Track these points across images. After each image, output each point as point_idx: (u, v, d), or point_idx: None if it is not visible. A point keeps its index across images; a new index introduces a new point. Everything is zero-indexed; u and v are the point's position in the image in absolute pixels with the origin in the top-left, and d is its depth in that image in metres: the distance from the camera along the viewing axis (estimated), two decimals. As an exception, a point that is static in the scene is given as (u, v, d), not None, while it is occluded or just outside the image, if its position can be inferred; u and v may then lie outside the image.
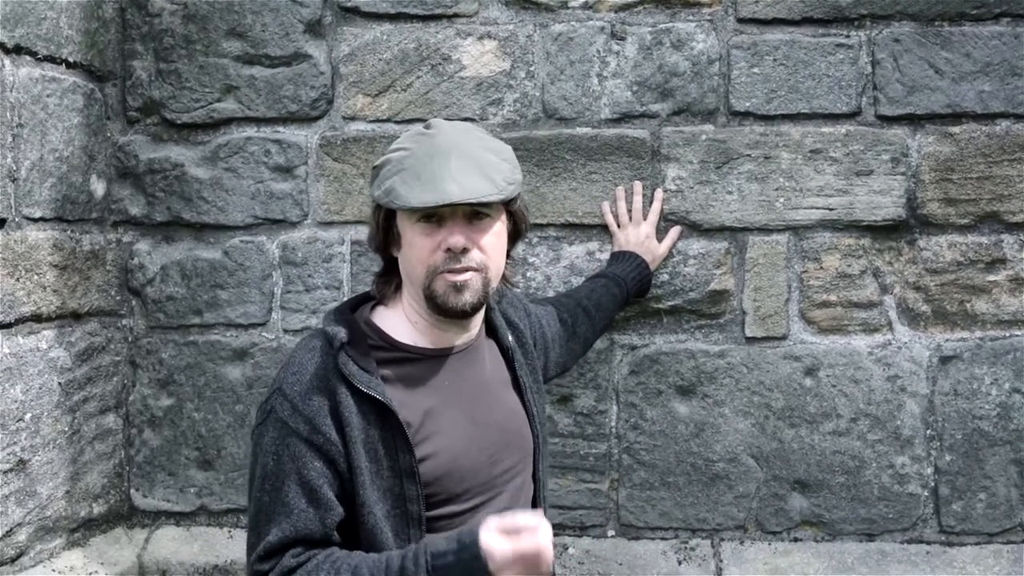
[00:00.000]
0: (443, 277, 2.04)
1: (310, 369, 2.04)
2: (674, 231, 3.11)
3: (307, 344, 2.11)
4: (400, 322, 2.15)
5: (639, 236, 3.06)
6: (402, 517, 2.03)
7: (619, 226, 3.09)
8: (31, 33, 2.81)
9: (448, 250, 2.03)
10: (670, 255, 3.10)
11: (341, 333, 2.06)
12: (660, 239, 3.09)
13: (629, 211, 3.09)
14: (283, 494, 1.99)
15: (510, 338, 2.30)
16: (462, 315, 2.10)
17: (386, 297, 2.20)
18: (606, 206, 3.11)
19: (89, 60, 3.08)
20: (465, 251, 2.04)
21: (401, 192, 2.01)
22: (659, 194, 3.10)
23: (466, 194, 1.99)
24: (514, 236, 2.22)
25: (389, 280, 2.20)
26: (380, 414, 2.02)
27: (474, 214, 2.06)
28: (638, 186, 3.10)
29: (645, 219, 3.09)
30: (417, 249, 2.06)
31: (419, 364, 2.13)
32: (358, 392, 2.02)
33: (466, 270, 2.05)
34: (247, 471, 2.22)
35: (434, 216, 2.04)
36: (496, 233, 2.11)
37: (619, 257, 3.03)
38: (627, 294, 2.95)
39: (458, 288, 2.05)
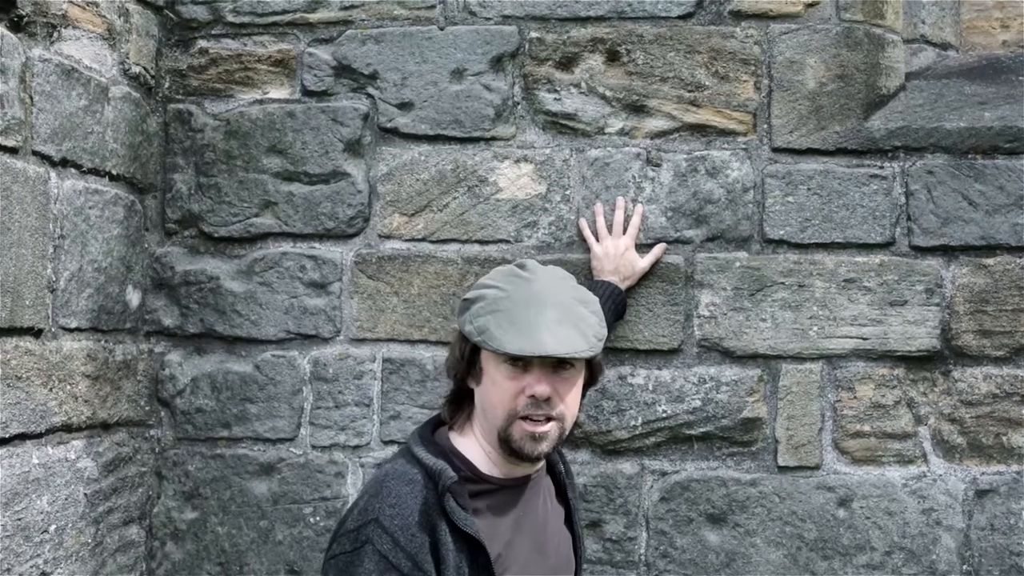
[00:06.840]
0: (522, 425, 2.09)
1: (410, 504, 2.06)
2: (659, 247, 3.10)
3: (402, 475, 2.12)
4: (477, 451, 2.19)
5: (618, 248, 3.04)
6: None
7: (598, 240, 3.09)
8: (77, 147, 2.86)
9: (532, 396, 2.08)
10: (702, 381, 3.09)
11: (449, 473, 2.09)
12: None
13: (609, 226, 3.09)
14: None
15: (561, 468, 2.37)
16: (533, 461, 2.17)
17: (456, 424, 2.25)
18: (583, 222, 3.12)
19: (132, 173, 3.13)
20: (548, 400, 2.09)
21: (496, 334, 2.06)
22: (639, 208, 3.10)
23: (561, 348, 2.05)
24: (588, 383, 2.26)
25: (460, 407, 2.25)
26: (472, 550, 2.06)
27: (560, 364, 2.10)
28: (620, 201, 3.11)
29: (625, 233, 3.08)
30: (500, 391, 2.11)
31: (498, 495, 2.18)
32: (456, 528, 2.05)
33: (547, 419, 2.10)
34: None
35: (520, 361, 2.08)
36: (578, 385, 2.18)
37: (593, 290, 3.00)
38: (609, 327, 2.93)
39: (536, 438, 2.10)
